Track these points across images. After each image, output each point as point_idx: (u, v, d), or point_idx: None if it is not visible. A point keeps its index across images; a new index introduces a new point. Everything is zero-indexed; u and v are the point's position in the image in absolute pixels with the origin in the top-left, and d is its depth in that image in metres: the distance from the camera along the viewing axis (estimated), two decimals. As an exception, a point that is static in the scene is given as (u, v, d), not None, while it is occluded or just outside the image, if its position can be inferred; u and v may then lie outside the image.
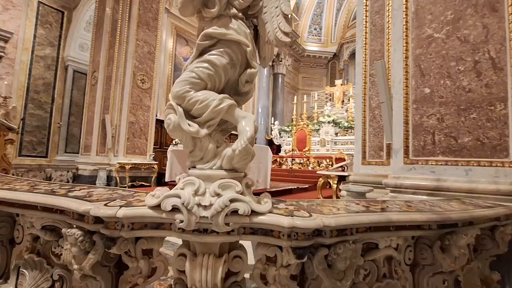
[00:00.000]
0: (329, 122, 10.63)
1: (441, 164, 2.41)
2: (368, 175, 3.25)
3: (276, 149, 12.30)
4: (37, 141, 9.55)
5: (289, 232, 1.13)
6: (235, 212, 1.11)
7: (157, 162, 7.68)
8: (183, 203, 1.09)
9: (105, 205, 1.18)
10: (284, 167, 9.62)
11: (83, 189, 1.57)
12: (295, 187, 6.15)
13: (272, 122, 12.94)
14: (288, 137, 11.22)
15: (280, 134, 12.36)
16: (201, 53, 1.22)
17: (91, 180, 6.86)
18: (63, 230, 1.27)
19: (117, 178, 6.85)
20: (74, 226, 1.28)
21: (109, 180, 6.95)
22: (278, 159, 9.90)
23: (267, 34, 1.25)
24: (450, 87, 2.44)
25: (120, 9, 7.62)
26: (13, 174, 5.48)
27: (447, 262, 1.52)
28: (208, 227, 1.12)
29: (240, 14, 1.27)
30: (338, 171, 4.05)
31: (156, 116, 8.45)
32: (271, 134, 12.85)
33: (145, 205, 1.17)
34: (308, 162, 8.73)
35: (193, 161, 1.25)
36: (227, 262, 1.22)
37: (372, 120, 3.41)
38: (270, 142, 13.07)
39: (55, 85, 10.15)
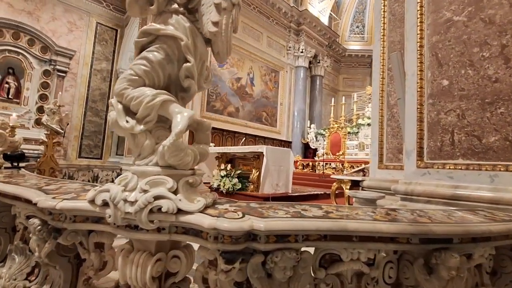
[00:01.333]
0: (368, 125, 9.89)
1: (461, 169, 2.04)
2: (384, 181, 2.90)
3: (313, 153, 11.90)
4: (94, 144, 10.84)
5: (215, 234, 1.06)
6: (161, 209, 1.09)
7: (189, 164, 8.02)
8: (110, 198, 1.10)
9: (53, 197, 1.26)
10: (318, 171, 9.23)
11: (62, 183, 1.70)
12: (322, 192, 5.82)
13: (308, 126, 12.58)
14: (325, 140, 10.78)
15: (316, 137, 11.93)
16: (141, 50, 1.23)
17: (130, 179, 7.49)
18: (30, 219, 1.40)
19: (153, 179, 7.35)
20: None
21: (146, 180, 7.50)
22: (310, 163, 9.54)
23: (203, 27, 1.21)
24: (473, 78, 2.07)
25: (159, 22, 8.28)
26: (65, 174, 6.31)
27: (433, 285, 1.26)
28: (134, 223, 1.11)
29: (182, 9, 1.25)
30: (359, 175, 3.68)
31: (191, 120, 8.89)
32: (307, 137, 12.50)
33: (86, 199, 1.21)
34: (342, 167, 8.23)
35: (134, 157, 1.26)
36: (162, 261, 1.19)
37: (390, 119, 3.05)
38: (306, 146, 12.72)
39: (109, 94, 11.38)
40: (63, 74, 10.14)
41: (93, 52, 11.00)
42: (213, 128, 9.91)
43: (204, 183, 6.33)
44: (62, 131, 4.97)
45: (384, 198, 2.60)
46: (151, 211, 1.09)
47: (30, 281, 1.57)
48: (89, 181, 7.33)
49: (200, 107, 9.64)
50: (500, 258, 1.58)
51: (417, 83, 2.34)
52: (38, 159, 4.62)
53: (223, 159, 6.20)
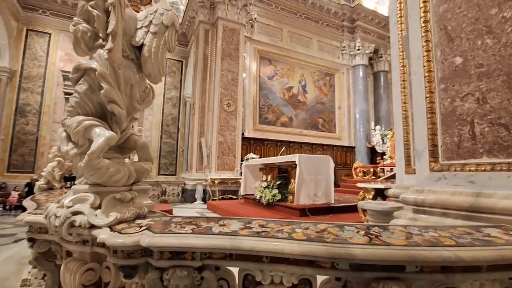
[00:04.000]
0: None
1: (485, 170, 1.54)
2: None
3: (381, 157, 10.63)
4: (169, 162, 12.44)
5: (113, 248, 1.11)
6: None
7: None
8: (47, 212, 1.29)
9: (29, 212, 1.54)
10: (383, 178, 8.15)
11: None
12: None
13: (373, 127, 11.36)
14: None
15: (383, 140, 10.65)
16: (76, 84, 1.42)
17: (191, 193, 8.26)
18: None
19: (210, 192, 7.92)
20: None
21: (205, 193, 8.12)
22: (372, 169, 8.50)
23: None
24: (493, 48, 1.57)
25: (209, 47, 9.09)
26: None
27: (372, 324, 0.98)
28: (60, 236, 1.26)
29: (105, 42, 1.40)
30: (390, 182, 3.07)
31: (243, 134, 9.27)
32: (372, 141, 11.29)
33: (45, 214, 1.44)
34: (412, 172, 7.05)
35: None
36: (94, 271, 1.31)
37: (415, 113, 2.51)
38: (372, 150, 11.49)
39: (179, 118, 12.95)
40: (143, 106, 12.11)
41: (164, 83, 12.77)
42: (266, 140, 10.05)
43: (249, 195, 6.43)
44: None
45: (402, 209, 2.13)
46: (71, 225, 1.22)
47: (44, 280, 1.93)
48: (158, 196, 8.41)
49: (252, 121, 9.94)
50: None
51: (424, 66, 1.91)
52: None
53: (267, 170, 6.20)
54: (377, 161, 8.83)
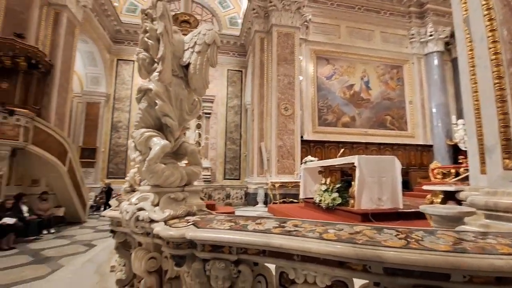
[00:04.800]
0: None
1: None
2: (491, 191, 1.99)
3: (464, 156, 9.08)
4: (233, 167, 13.17)
5: (167, 239, 1.31)
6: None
7: (303, 180, 8.20)
8: (121, 208, 1.60)
9: (111, 209, 1.91)
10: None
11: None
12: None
13: (455, 122, 9.76)
14: (480, 138, 8.02)
15: (469, 135, 9.05)
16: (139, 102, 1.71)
17: (253, 196, 8.57)
18: (114, 224, 2.13)
19: (271, 195, 8.09)
20: (117, 222, 2.10)
21: (266, 196, 8.33)
22: (453, 170, 7.25)
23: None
24: None
25: (265, 54, 9.37)
26: (205, 194, 8.07)
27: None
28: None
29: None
30: (463, 184, 2.56)
31: (302, 137, 9.18)
32: (454, 137, 9.71)
33: (122, 210, 1.77)
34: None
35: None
36: (156, 259, 1.55)
37: (491, 102, 2.10)
38: (456, 148, 9.89)
39: (241, 124, 13.63)
40: (208, 115, 13.17)
41: (227, 93, 13.66)
42: (327, 142, 9.72)
43: (309, 198, 6.33)
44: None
45: (474, 214, 1.83)
46: (137, 219, 1.48)
47: (124, 266, 2.33)
48: (223, 199, 8.99)
49: (311, 123, 9.77)
50: None
51: (490, 48, 1.65)
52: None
53: (326, 173, 6.02)
54: (460, 161, 7.56)
